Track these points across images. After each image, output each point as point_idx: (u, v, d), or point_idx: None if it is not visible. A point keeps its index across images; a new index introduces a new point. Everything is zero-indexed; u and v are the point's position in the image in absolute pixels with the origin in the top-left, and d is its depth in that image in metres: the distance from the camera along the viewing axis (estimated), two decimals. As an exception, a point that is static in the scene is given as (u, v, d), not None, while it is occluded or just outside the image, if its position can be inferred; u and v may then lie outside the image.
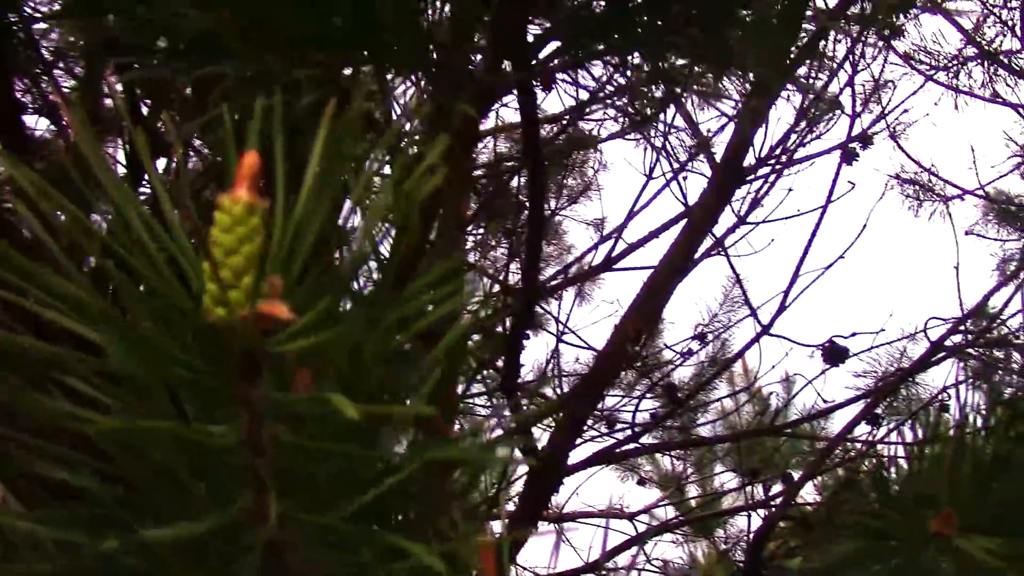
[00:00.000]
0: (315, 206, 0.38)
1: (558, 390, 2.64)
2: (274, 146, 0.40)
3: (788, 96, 2.16)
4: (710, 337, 2.73)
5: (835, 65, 2.25)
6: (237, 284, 0.36)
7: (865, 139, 2.56)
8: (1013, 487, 0.76)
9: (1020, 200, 2.55)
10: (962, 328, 2.21)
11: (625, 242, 2.61)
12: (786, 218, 2.32)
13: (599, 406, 2.50)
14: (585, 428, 2.32)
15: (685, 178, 2.29)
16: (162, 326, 0.37)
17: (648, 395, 2.62)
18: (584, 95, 2.29)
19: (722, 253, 2.34)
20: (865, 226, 2.24)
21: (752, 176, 2.22)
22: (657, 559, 2.87)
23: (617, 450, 2.39)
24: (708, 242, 2.27)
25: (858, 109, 2.28)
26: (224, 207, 0.37)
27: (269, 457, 0.37)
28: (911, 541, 0.74)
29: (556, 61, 0.93)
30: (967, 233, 2.58)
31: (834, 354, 2.14)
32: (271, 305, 0.35)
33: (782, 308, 2.19)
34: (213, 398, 0.37)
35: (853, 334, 2.21)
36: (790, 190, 2.39)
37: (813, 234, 2.18)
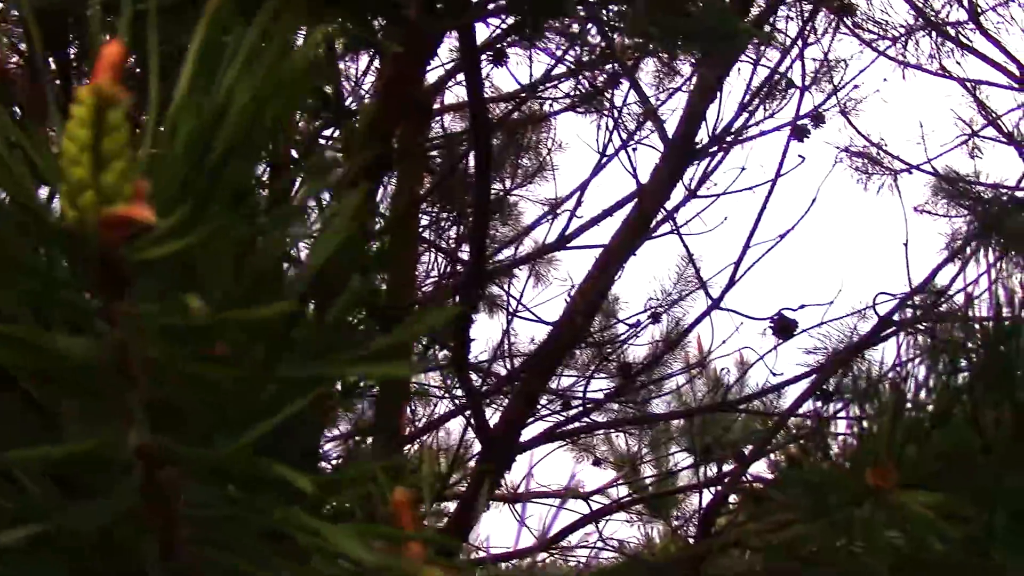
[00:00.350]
0: (191, 102, 0.34)
1: (509, 367, 2.61)
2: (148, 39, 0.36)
3: (739, 69, 2.14)
4: (663, 314, 2.72)
5: (788, 41, 2.25)
6: (93, 184, 0.32)
7: (817, 117, 2.57)
8: (951, 442, 0.75)
9: (968, 177, 2.59)
10: (909, 303, 2.23)
11: (579, 218, 2.59)
12: (737, 191, 2.31)
13: (553, 386, 2.47)
14: (538, 407, 2.30)
15: (635, 149, 2.27)
16: (13, 231, 0.33)
17: (600, 371, 2.61)
18: (536, 64, 2.23)
19: (674, 230, 2.32)
20: (815, 199, 2.24)
21: (704, 151, 2.20)
22: (611, 538, 2.87)
23: (570, 426, 2.37)
24: (660, 216, 2.25)
25: (808, 83, 2.28)
26: (82, 99, 0.33)
27: (137, 380, 0.34)
28: (850, 496, 0.72)
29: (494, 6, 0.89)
30: (916, 210, 2.61)
31: (783, 327, 2.15)
32: (130, 207, 0.32)
33: (732, 282, 2.18)
34: (75, 315, 0.34)
35: (802, 306, 2.22)
36: (743, 168, 2.38)
37: (763, 208, 2.18)
